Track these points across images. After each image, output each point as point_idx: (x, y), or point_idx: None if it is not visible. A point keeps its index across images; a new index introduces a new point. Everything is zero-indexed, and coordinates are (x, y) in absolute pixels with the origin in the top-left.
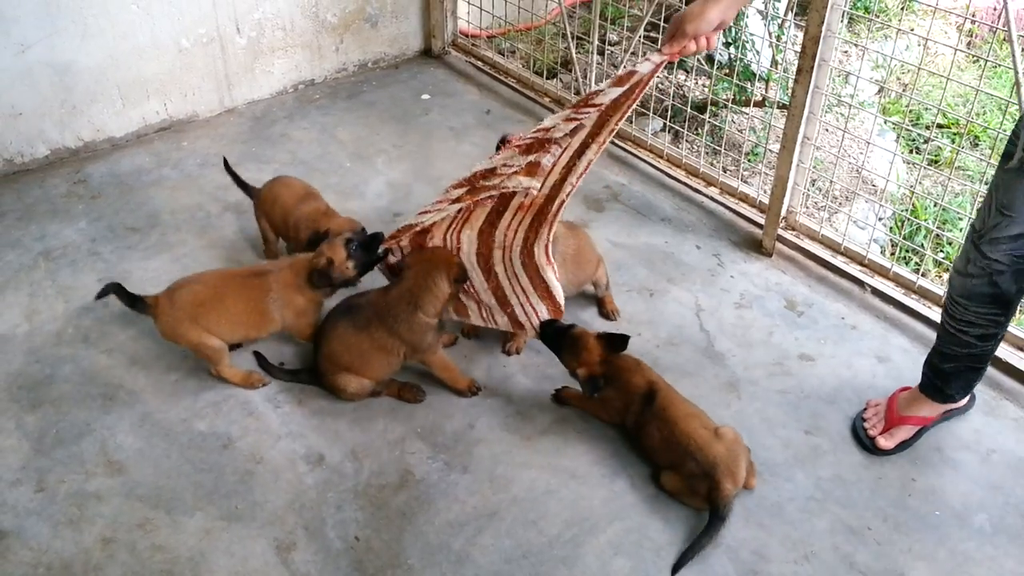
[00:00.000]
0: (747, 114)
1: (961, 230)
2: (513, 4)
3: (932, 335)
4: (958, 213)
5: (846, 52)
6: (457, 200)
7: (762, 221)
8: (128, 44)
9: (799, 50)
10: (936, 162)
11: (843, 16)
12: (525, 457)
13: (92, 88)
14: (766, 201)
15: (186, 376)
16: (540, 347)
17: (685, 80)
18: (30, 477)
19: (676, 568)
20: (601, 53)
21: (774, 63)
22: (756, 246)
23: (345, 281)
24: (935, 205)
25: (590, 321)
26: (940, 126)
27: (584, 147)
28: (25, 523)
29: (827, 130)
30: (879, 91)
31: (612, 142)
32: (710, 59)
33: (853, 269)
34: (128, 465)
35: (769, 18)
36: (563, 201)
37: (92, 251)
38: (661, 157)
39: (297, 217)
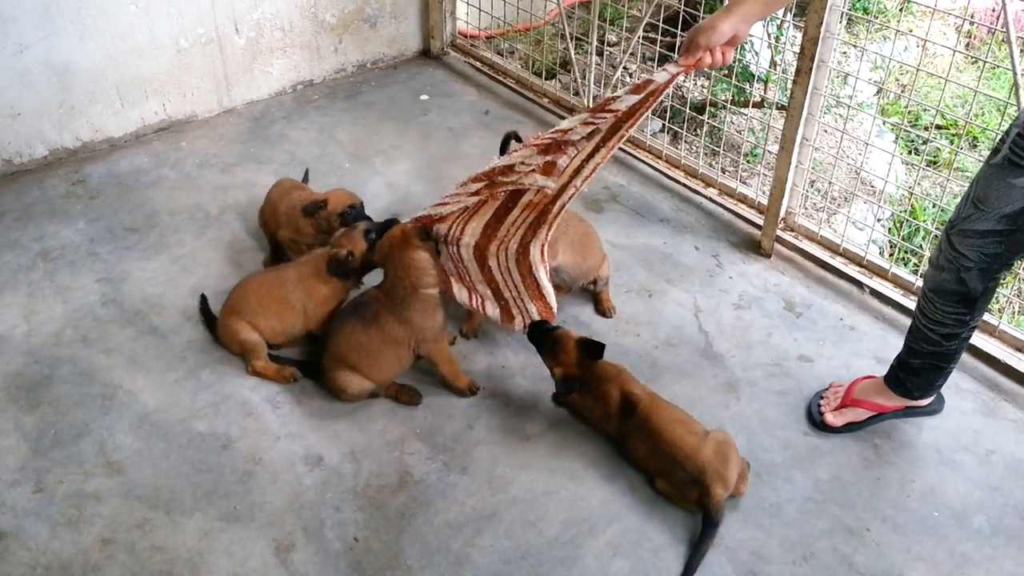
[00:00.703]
0: (746, 115)
1: None
2: (512, 5)
3: None
4: None
5: (845, 53)
6: (475, 193)
7: (761, 222)
8: (127, 44)
9: (798, 51)
10: (935, 163)
11: (842, 17)
12: (524, 458)
13: (91, 88)
14: (765, 202)
15: (185, 376)
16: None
17: (684, 81)
18: (28, 478)
19: None
20: (600, 54)
21: (773, 64)
22: (755, 247)
23: (365, 269)
24: (934, 206)
25: (588, 322)
26: (939, 127)
27: (594, 151)
28: (23, 524)
29: (826, 131)
30: (878, 92)
31: None
32: None
33: (852, 270)
34: (127, 466)
35: (768, 19)
36: (564, 203)
37: (91, 251)
38: (660, 158)
39: (285, 208)
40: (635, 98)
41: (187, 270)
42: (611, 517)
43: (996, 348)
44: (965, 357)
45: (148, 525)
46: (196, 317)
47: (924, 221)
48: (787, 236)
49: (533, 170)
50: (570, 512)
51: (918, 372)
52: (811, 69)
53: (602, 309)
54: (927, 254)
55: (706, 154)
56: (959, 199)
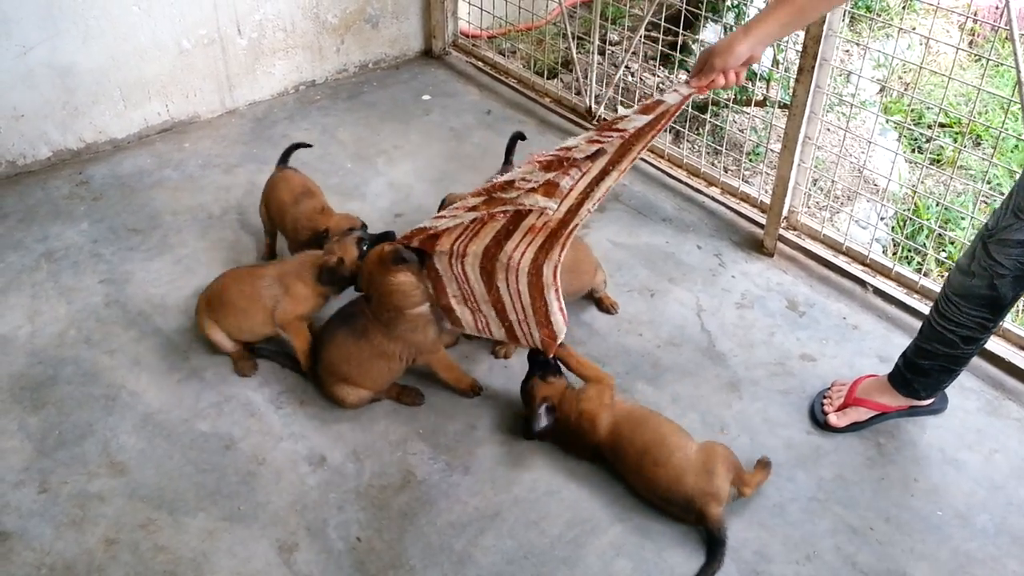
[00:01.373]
0: (748, 114)
1: (963, 229)
2: (513, 4)
3: None
4: (960, 212)
5: (847, 51)
6: (473, 208)
7: (763, 221)
8: (129, 45)
9: (800, 49)
10: (938, 161)
11: (844, 15)
12: (527, 458)
13: (94, 89)
14: (767, 201)
15: (188, 377)
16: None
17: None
18: (33, 478)
19: None
20: (602, 53)
21: (775, 62)
22: (757, 246)
23: (353, 279)
24: (937, 204)
25: (590, 321)
26: (942, 125)
27: (604, 174)
28: (28, 524)
29: (828, 129)
30: (880, 90)
31: None
32: None
33: (855, 269)
34: (130, 466)
35: None
36: (577, 224)
37: (94, 252)
38: (662, 157)
39: (295, 216)
40: (644, 119)
41: (190, 270)
42: (614, 517)
43: (1000, 347)
44: None
45: (152, 525)
46: None
47: (927, 220)
48: (790, 235)
49: (533, 189)
50: (573, 512)
51: (927, 373)
52: (814, 67)
53: (605, 307)
54: (931, 253)
55: (708, 153)
56: (996, 208)
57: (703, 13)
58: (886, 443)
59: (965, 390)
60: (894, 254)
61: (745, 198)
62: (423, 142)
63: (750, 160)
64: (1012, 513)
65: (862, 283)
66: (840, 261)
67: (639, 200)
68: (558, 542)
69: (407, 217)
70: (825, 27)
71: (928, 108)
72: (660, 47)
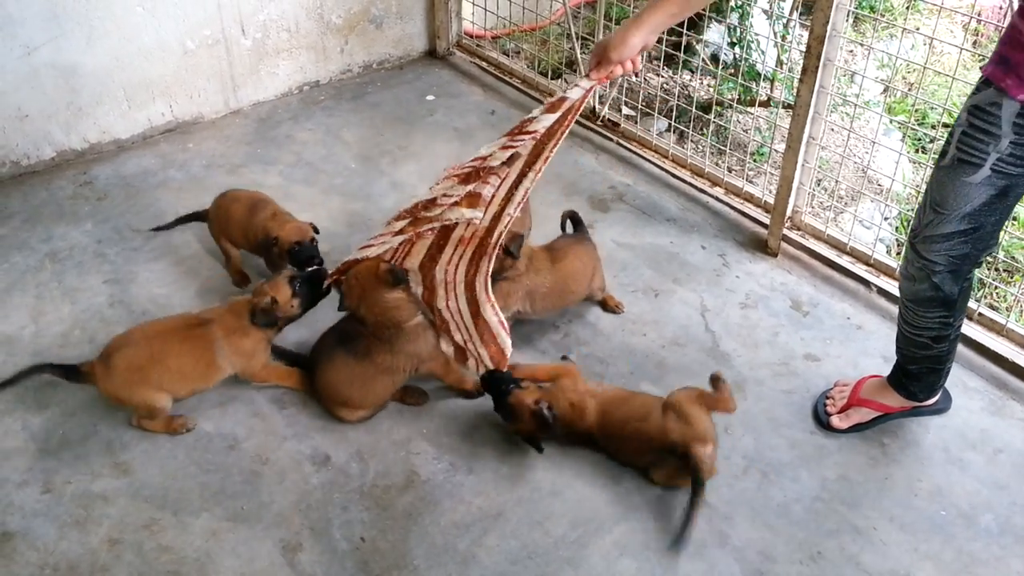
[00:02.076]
0: (752, 114)
1: None
2: (517, 5)
3: None
4: None
5: (851, 51)
6: (400, 232)
7: (767, 221)
8: (133, 46)
9: (804, 50)
10: None
11: (848, 15)
12: (530, 458)
13: (98, 90)
14: (771, 201)
15: None
16: (544, 348)
17: (690, 80)
18: (36, 478)
19: (676, 543)
20: None
21: (779, 63)
22: (761, 246)
23: (289, 318)
24: None
25: (595, 321)
26: (946, 125)
27: (521, 176)
28: (32, 524)
29: (832, 130)
30: (884, 90)
31: (618, 142)
32: (715, 59)
33: (859, 269)
34: (134, 466)
35: (774, 18)
36: (501, 232)
37: (98, 253)
38: (666, 157)
39: (255, 228)
40: (552, 117)
41: (193, 271)
42: (618, 517)
43: (1003, 347)
44: (972, 356)
45: (155, 525)
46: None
47: None
48: (794, 235)
49: (457, 203)
50: (577, 512)
51: (917, 377)
52: (817, 68)
53: (610, 308)
54: None
55: (712, 153)
56: (916, 209)
57: (706, 13)
58: (890, 443)
59: (969, 390)
60: (898, 254)
61: (749, 198)
62: (427, 142)
63: (754, 160)
64: (1016, 513)
65: (866, 283)
66: (844, 261)
67: (643, 200)
68: (562, 542)
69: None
70: (829, 27)
71: (932, 108)
72: (664, 47)
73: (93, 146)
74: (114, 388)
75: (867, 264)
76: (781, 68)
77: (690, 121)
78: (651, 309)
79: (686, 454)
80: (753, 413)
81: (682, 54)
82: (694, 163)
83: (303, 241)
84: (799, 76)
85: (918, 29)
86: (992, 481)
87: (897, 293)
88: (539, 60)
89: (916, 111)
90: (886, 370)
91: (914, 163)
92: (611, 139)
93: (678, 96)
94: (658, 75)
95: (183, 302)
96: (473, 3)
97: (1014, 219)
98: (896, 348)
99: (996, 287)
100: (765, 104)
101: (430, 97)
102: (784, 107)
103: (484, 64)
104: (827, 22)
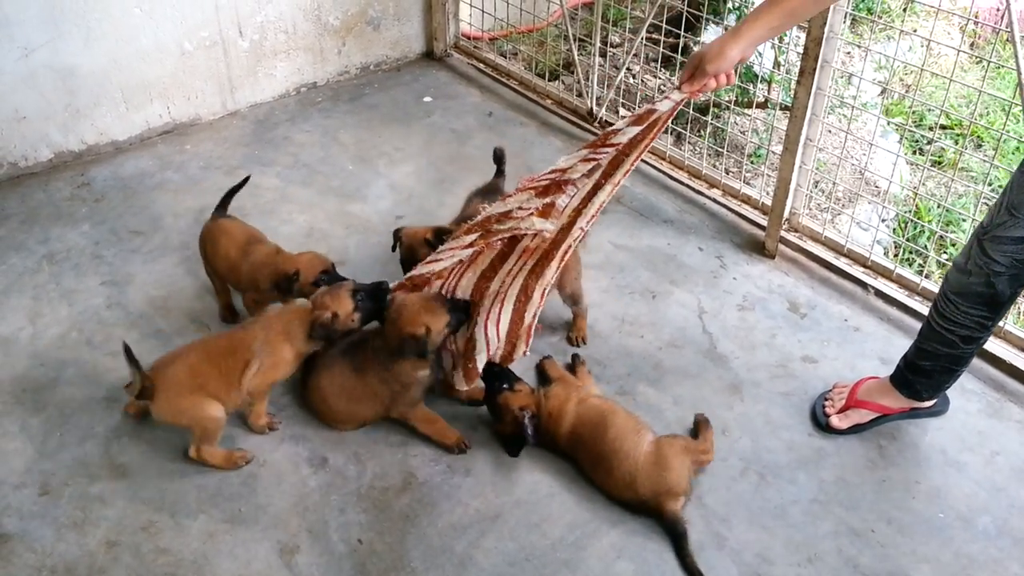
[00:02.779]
0: (750, 116)
1: (964, 231)
2: (515, 6)
3: None
4: (961, 214)
5: (849, 53)
6: (470, 245)
7: (765, 223)
8: (131, 47)
9: (802, 51)
10: (939, 163)
11: (845, 17)
12: (528, 460)
13: (95, 91)
14: (769, 203)
15: None
16: (543, 349)
17: None
18: (34, 480)
19: None
20: (603, 55)
21: (776, 64)
22: (759, 248)
23: (345, 333)
24: (938, 206)
25: (591, 324)
26: (943, 127)
27: (597, 188)
28: (29, 526)
29: (830, 131)
30: (882, 92)
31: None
32: None
33: (856, 271)
34: (132, 468)
35: None
36: (571, 246)
37: (95, 254)
38: (663, 159)
39: (249, 268)
40: (636, 129)
41: (192, 272)
42: (615, 519)
43: (1002, 349)
44: None
45: (153, 527)
46: (201, 319)
47: (929, 222)
48: (791, 237)
49: (531, 214)
50: (574, 514)
51: (928, 374)
52: (815, 69)
53: (572, 337)
54: (932, 255)
55: (710, 155)
56: (991, 206)
57: (704, 15)
58: (887, 445)
59: (966, 392)
60: (895, 256)
61: (746, 200)
62: (424, 144)
63: (751, 162)
64: (1014, 515)
65: (863, 285)
66: (841, 263)
67: (641, 202)
68: (559, 544)
69: (408, 219)
70: (826, 29)
71: (929, 110)
72: (661, 49)
73: (91, 147)
74: (173, 398)
75: (864, 266)
76: (778, 70)
77: (687, 123)
78: (648, 311)
79: (655, 509)
80: (750, 415)
81: (679, 56)
82: (691, 165)
83: (328, 270)
84: (797, 78)
85: (915, 31)
86: (990, 483)
87: (894, 295)
88: (536, 62)
89: (913, 113)
90: (883, 372)
91: (911, 165)
92: None
93: None
94: (655, 76)
95: (181, 303)
96: (471, 5)
97: None
98: (914, 344)
99: None
100: (762, 106)
101: (427, 99)
102: (781, 109)
103: (481, 66)
104: (824, 24)
